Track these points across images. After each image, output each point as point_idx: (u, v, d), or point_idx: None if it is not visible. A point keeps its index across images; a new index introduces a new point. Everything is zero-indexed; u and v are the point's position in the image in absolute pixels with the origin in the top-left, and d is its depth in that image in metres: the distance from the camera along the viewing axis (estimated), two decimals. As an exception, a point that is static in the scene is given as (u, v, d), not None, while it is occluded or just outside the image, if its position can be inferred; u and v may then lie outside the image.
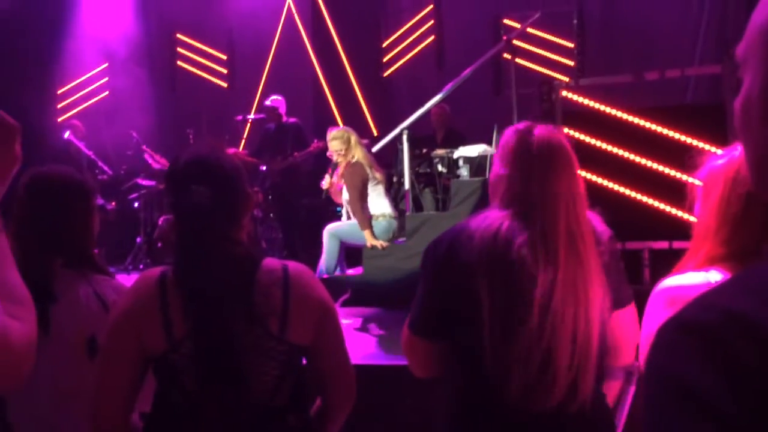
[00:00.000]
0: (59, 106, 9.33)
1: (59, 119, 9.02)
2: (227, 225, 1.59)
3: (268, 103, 7.06)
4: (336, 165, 5.14)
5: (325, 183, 5.24)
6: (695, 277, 1.39)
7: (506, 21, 7.98)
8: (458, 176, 5.40)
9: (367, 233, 5.02)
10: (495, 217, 1.55)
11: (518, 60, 5.72)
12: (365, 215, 5.05)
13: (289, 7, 9.21)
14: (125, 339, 1.54)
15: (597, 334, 1.52)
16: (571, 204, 1.55)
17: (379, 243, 5.07)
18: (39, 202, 1.80)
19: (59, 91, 9.33)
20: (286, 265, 1.62)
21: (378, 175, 5.12)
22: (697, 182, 1.53)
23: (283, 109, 7.01)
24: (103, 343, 1.59)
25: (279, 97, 7.07)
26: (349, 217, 5.24)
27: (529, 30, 6.97)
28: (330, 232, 5.13)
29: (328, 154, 5.28)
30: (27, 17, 8.37)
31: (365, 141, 5.27)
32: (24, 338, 1.05)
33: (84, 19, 8.93)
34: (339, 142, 5.08)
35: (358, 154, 5.08)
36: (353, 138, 5.13)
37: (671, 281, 1.44)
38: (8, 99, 7.13)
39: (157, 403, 1.59)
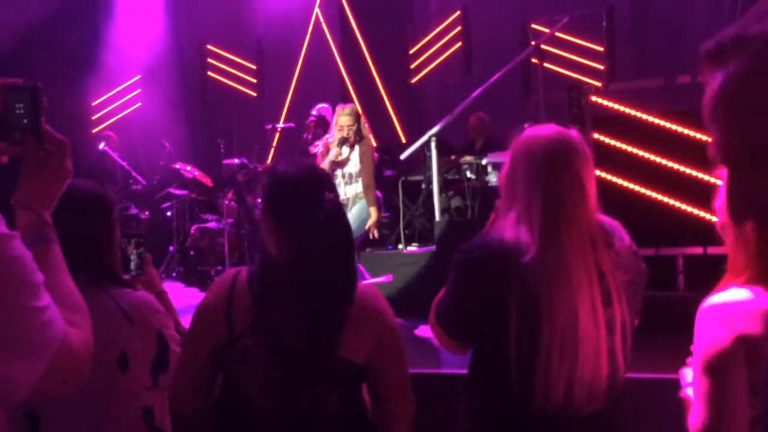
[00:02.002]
0: (94, 117, 9.53)
1: (94, 130, 9.21)
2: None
3: (314, 112, 7.15)
4: (345, 140, 5.05)
5: (334, 154, 5.02)
6: (743, 293, 1.37)
7: (534, 25, 7.93)
8: (487, 182, 5.37)
9: (373, 210, 4.97)
10: (522, 238, 1.55)
11: (546, 64, 5.67)
12: (375, 194, 5.09)
13: (317, 16, 9.29)
14: (200, 331, 1.65)
15: (620, 349, 1.56)
16: (584, 212, 1.56)
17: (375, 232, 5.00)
18: (60, 217, 1.77)
19: (94, 103, 9.54)
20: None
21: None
22: None
23: (330, 116, 7.12)
24: (185, 333, 1.73)
25: (325, 105, 7.17)
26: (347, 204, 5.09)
27: (558, 34, 6.92)
28: None
29: (330, 134, 5.17)
30: (62, 30, 8.56)
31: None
32: (82, 344, 1.07)
33: (117, 31, 9.12)
34: (352, 119, 5.10)
35: (366, 133, 5.15)
36: (362, 117, 5.21)
37: (720, 298, 1.40)
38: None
39: (221, 395, 1.68)
